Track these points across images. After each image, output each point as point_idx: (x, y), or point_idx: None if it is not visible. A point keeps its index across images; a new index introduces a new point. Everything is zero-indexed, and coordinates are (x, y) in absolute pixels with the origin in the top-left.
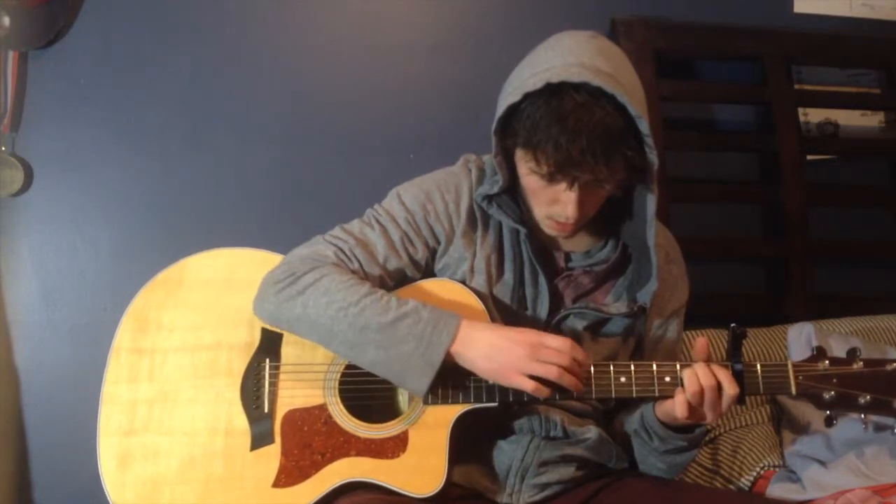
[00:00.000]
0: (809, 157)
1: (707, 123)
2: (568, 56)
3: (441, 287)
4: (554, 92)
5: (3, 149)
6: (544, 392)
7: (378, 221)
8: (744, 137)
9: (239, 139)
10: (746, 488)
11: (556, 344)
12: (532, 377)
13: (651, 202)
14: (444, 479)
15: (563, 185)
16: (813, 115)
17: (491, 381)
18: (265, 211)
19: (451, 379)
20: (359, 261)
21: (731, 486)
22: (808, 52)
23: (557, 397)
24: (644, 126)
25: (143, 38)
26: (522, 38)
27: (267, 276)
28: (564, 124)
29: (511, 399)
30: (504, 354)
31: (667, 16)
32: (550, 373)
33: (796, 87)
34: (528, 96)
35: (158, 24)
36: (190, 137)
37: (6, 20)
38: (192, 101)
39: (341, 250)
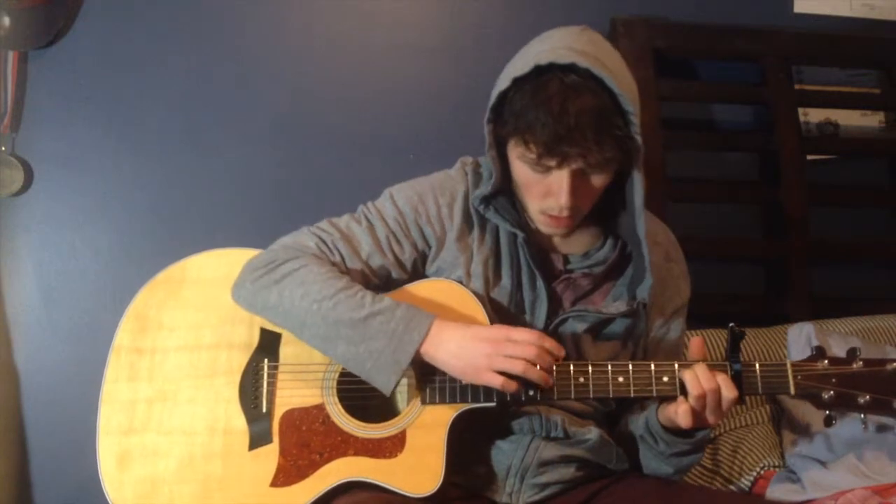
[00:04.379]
0: (809, 157)
1: (707, 123)
2: (556, 43)
3: (442, 288)
4: (542, 74)
5: (3, 149)
6: (512, 387)
7: (366, 218)
8: (744, 137)
9: (239, 139)
10: (746, 488)
11: (523, 337)
12: (501, 373)
13: (639, 191)
14: (441, 479)
15: (555, 174)
16: (813, 115)
17: (462, 381)
18: (265, 211)
19: (449, 379)
20: (341, 254)
21: (731, 487)
22: (808, 52)
23: (532, 394)
24: (630, 107)
25: (143, 38)
26: (522, 39)
27: (247, 262)
28: (551, 104)
29: (509, 399)
30: (470, 352)
31: (667, 16)
32: (515, 367)
33: (796, 87)
34: (516, 82)
35: (158, 24)
36: (190, 138)
37: (6, 20)
38: (192, 101)
39: (324, 242)
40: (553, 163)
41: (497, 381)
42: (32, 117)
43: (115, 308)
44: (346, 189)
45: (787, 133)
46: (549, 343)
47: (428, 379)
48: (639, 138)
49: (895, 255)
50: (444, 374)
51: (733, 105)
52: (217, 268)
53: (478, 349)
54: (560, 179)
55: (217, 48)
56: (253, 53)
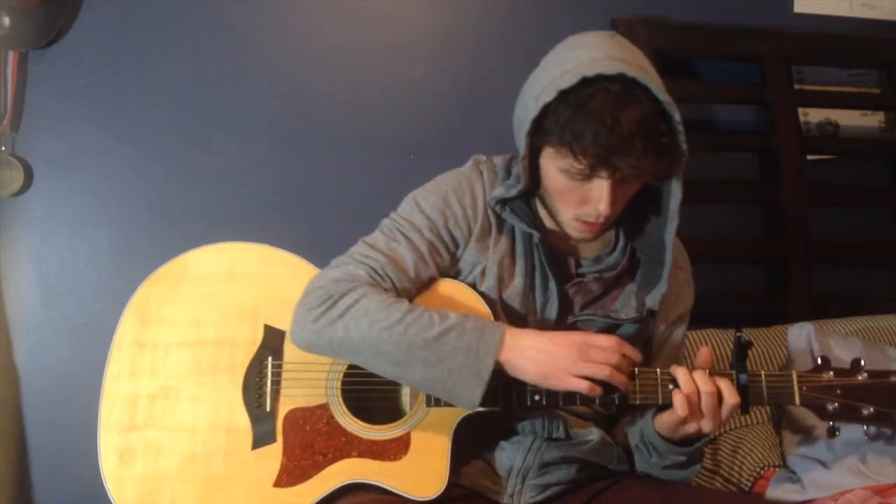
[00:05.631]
0: (809, 157)
1: (707, 123)
2: (595, 52)
3: (447, 287)
4: (588, 85)
5: (3, 149)
6: (598, 391)
7: (402, 234)
8: (744, 137)
9: (239, 139)
10: (746, 488)
11: (604, 343)
12: (584, 377)
13: (676, 196)
14: (445, 483)
15: (596, 182)
16: (813, 115)
17: (542, 387)
18: (265, 211)
19: None
20: (391, 279)
21: (731, 486)
22: (808, 52)
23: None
24: (676, 115)
25: (143, 38)
26: (523, 38)
27: (300, 302)
28: (602, 116)
29: (514, 404)
30: (553, 358)
31: (667, 16)
32: (602, 372)
33: (796, 87)
34: (561, 94)
35: (158, 24)
36: (190, 137)
37: (6, 20)
38: (192, 101)
39: (374, 269)
40: (605, 174)
41: (583, 386)
42: (32, 117)
43: (115, 308)
44: (346, 188)
45: (787, 133)
46: (629, 349)
47: None
48: (684, 146)
49: (895, 255)
50: None
51: (733, 105)
52: (218, 262)
53: (561, 354)
54: (601, 188)
55: (217, 48)
56: (253, 53)
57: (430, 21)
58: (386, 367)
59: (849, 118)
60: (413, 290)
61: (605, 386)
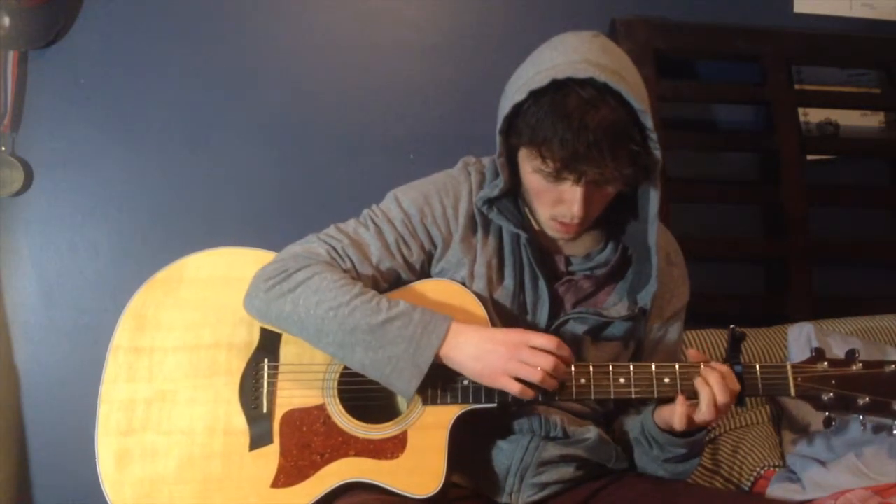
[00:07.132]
0: (809, 157)
1: (707, 123)
2: (572, 54)
3: (443, 288)
4: (559, 88)
5: (3, 149)
6: (529, 394)
7: (374, 222)
8: (744, 137)
9: (239, 139)
10: (746, 488)
11: (541, 343)
12: (517, 378)
13: (654, 201)
14: (442, 481)
15: (567, 184)
16: (813, 115)
17: (479, 384)
18: (265, 211)
19: (451, 380)
20: (351, 260)
21: (731, 486)
22: (808, 52)
23: (541, 398)
24: (648, 122)
25: (143, 38)
26: (522, 39)
27: (258, 273)
28: (570, 120)
29: (510, 400)
30: (489, 356)
31: (667, 16)
32: (533, 375)
33: (796, 87)
34: (532, 94)
35: (158, 24)
36: (190, 137)
37: (6, 20)
38: (192, 101)
39: (334, 249)
40: (571, 177)
41: (515, 388)
42: (32, 117)
43: (114, 308)
44: (346, 189)
45: (787, 133)
46: (565, 351)
47: (429, 380)
48: (657, 153)
49: (895, 255)
50: (445, 374)
51: (733, 105)
52: (215, 267)
53: (496, 353)
54: (573, 190)
55: (217, 48)
56: (253, 53)
57: (431, 20)
58: (329, 347)
59: (849, 118)
60: (375, 276)
61: (539, 388)
